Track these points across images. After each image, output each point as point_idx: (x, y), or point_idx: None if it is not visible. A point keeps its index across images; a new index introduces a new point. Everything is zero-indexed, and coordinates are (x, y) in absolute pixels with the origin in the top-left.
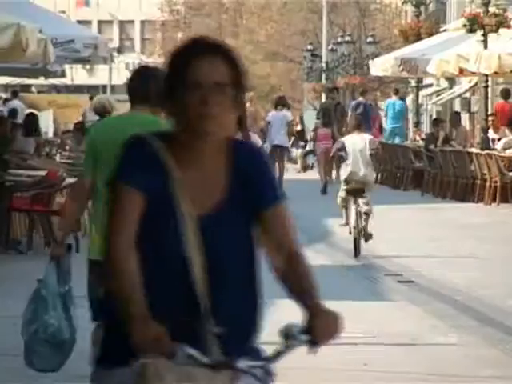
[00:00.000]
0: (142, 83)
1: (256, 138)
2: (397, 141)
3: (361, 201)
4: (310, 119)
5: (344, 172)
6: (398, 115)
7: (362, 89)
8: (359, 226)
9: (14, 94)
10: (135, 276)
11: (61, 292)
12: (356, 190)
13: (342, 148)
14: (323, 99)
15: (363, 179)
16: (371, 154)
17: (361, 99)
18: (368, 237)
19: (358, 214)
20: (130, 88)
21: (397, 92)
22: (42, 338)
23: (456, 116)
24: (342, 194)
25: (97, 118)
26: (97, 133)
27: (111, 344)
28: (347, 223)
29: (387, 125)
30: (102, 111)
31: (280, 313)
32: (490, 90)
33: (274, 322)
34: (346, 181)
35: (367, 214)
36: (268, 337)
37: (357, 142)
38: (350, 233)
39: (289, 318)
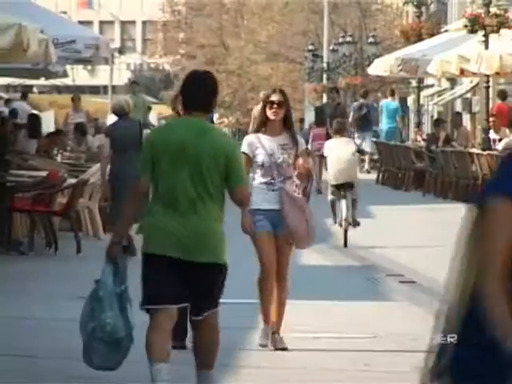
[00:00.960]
0: (197, 89)
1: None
2: (391, 141)
3: (349, 193)
4: (311, 120)
5: (328, 175)
6: (392, 116)
7: (363, 90)
8: (349, 217)
9: (24, 96)
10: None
11: (117, 292)
12: (344, 184)
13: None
14: (324, 100)
15: (348, 179)
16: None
17: (362, 100)
18: (356, 223)
19: (348, 205)
20: (184, 93)
21: (393, 93)
22: (99, 337)
23: (457, 116)
24: (330, 197)
25: (115, 118)
26: (156, 136)
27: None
28: (336, 221)
29: (382, 125)
30: (121, 112)
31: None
32: (491, 90)
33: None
34: (332, 183)
35: (355, 200)
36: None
37: (339, 146)
38: (341, 225)
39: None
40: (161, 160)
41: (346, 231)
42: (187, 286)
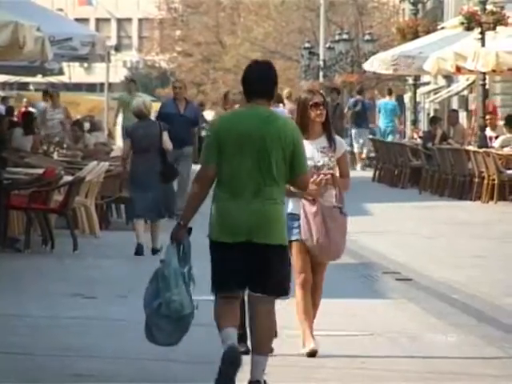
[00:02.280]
0: (259, 78)
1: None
2: (389, 139)
3: None
4: None
5: None
6: (390, 115)
7: (359, 87)
8: None
9: (46, 95)
10: None
11: (182, 271)
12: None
13: None
14: None
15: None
16: None
17: (358, 97)
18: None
19: None
20: (247, 82)
21: (390, 92)
22: (164, 314)
23: (454, 114)
24: None
25: (135, 120)
26: (221, 124)
27: None
28: None
29: (380, 124)
30: (140, 114)
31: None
32: (487, 87)
33: None
34: None
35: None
36: None
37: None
38: None
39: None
40: (227, 147)
41: None
42: (253, 269)
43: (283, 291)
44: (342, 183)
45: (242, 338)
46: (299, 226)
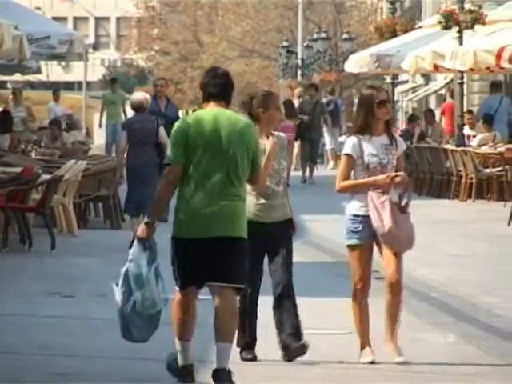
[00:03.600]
0: (221, 83)
1: None
2: None
3: None
4: None
5: None
6: None
7: (330, 88)
8: None
9: (55, 97)
10: None
11: (150, 269)
12: None
13: None
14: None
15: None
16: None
17: (330, 97)
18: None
19: None
20: (206, 86)
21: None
22: (138, 311)
23: (430, 113)
24: None
25: (133, 113)
26: (187, 124)
27: None
28: None
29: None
30: (140, 107)
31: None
32: (465, 86)
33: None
34: None
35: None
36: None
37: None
38: None
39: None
40: (194, 147)
41: None
42: (215, 261)
43: (243, 280)
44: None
45: (249, 344)
46: (361, 231)
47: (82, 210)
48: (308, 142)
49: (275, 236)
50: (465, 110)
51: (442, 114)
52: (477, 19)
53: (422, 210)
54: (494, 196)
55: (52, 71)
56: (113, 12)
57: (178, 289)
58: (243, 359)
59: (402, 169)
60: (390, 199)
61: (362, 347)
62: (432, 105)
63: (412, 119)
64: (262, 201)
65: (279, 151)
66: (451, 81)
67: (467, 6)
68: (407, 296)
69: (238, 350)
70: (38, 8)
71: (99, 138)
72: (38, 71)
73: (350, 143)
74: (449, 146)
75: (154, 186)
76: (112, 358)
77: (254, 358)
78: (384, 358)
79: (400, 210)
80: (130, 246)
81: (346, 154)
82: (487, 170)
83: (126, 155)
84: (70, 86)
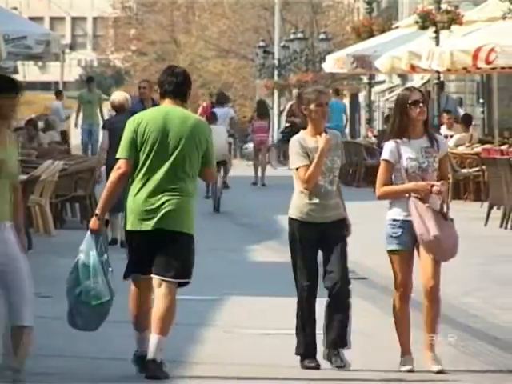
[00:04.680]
0: (177, 81)
1: None
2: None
3: (223, 169)
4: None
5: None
6: (339, 115)
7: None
8: (221, 186)
9: (60, 95)
10: None
11: (100, 260)
12: (219, 162)
13: None
14: (276, 96)
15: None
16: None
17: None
18: (227, 186)
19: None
20: (162, 83)
21: (337, 92)
22: (84, 301)
23: None
24: None
25: (113, 113)
26: (138, 121)
27: None
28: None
29: (330, 124)
30: (121, 108)
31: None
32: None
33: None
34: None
35: (226, 171)
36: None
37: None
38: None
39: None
40: (142, 143)
41: (219, 199)
42: (162, 255)
43: (189, 275)
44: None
45: (309, 351)
46: (401, 236)
47: (58, 210)
48: None
49: (329, 236)
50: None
51: None
52: (453, 19)
53: None
54: (471, 196)
55: (29, 71)
56: (89, 12)
57: (131, 280)
58: (305, 367)
59: (447, 171)
60: (431, 206)
61: (403, 354)
62: None
63: (388, 119)
64: (315, 200)
65: (333, 149)
66: (428, 81)
67: (444, 6)
68: (384, 296)
69: (299, 358)
70: (15, 8)
71: (75, 138)
72: (15, 71)
73: (387, 148)
74: None
75: None
76: (92, 357)
77: (318, 366)
78: (361, 357)
79: (443, 216)
80: (109, 243)
81: (384, 160)
82: (464, 171)
83: (106, 154)
84: (46, 86)
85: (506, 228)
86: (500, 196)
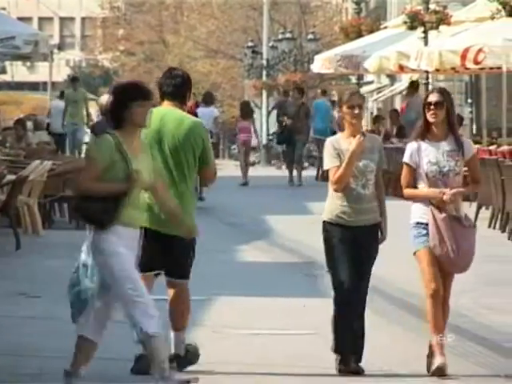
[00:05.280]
0: (175, 83)
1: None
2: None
3: None
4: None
5: None
6: (325, 115)
7: (283, 89)
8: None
9: (61, 96)
10: None
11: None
12: None
13: None
14: (264, 97)
15: None
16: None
17: (283, 98)
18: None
19: None
20: (161, 85)
21: (324, 93)
22: (83, 299)
23: (394, 113)
24: None
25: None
26: None
27: None
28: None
29: (315, 124)
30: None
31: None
32: (430, 87)
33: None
34: None
35: None
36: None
37: None
38: None
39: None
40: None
41: None
42: (162, 255)
43: (186, 277)
44: (473, 189)
45: (343, 355)
46: (427, 234)
47: (47, 211)
48: (292, 145)
49: (361, 241)
50: None
51: (401, 111)
52: (442, 20)
53: (388, 209)
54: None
55: (17, 71)
56: (78, 12)
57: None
58: (339, 371)
59: (477, 174)
60: (449, 216)
61: (433, 351)
62: (397, 105)
63: (377, 120)
64: (347, 203)
65: (367, 152)
66: (416, 81)
67: (432, 6)
68: (369, 295)
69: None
70: (3, 8)
71: None
72: (3, 71)
73: (408, 150)
74: None
75: None
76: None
77: (361, 371)
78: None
79: (461, 224)
80: None
81: (404, 163)
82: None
83: None
84: (34, 86)
85: (494, 228)
86: (488, 196)
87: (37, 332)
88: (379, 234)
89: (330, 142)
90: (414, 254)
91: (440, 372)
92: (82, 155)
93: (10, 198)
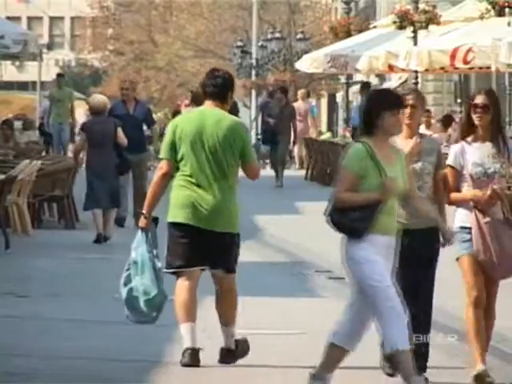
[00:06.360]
0: (214, 82)
1: None
2: None
3: None
4: (241, 116)
5: None
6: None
7: (268, 90)
8: None
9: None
10: None
11: (150, 256)
12: None
13: None
14: (253, 96)
15: None
16: None
17: (267, 99)
18: None
19: None
20: (204, 85)
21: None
22: (135, 296)
23: None
24: None
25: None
26: (176, 122)
27: None
28: None
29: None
30: (99, 111)
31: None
32: (419, 86)
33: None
34: None
35: None
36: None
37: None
38: None
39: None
40: (180, 144)
41: None
42: (206, 251)
43: (232, 271)
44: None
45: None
46: (470, 239)
47: (36, 210)
48: (275, 145)
49: (417, 246)
50: None
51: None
52: (431, 19)
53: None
54: None
55: (6, 71)
56: (67, 12)
57: (177, 271)
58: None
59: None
60: (493, 220)
61: (475, 362)
62: None
63: None
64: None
65: (424, 154)
66: (405, 81)
67: (422, 6)
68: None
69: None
70: None
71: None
72: None
73: (452, 152)
74: None
75: (112, 182)
76: (66, 358)
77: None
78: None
79: (508, 224)
80: (96, 241)
81: (448, 165)
82: (442, 171)
83: (86, 155)
84: (24, 85)
85: None
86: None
87: (25, 331)
88: (440, 238)
89: None
90: (457, 259)
91: (480, 378)
92: (69, 154)
93: None
